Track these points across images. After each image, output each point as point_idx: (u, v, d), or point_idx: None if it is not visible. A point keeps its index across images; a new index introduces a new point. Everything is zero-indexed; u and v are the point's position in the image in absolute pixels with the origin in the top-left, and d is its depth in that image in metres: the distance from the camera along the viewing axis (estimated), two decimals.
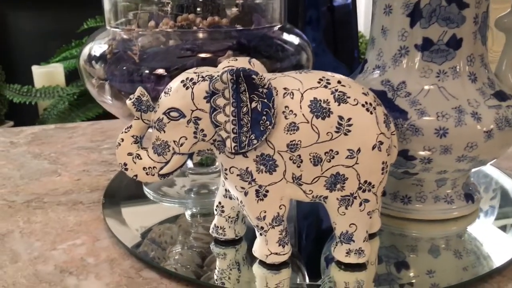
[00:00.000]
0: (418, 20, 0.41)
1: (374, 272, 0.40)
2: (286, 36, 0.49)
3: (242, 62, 0.39)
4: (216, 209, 0.42)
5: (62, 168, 0.62)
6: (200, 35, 0.44)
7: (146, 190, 0.54)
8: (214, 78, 0.35)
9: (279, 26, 0.49)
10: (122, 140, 0.37)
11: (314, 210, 0.52)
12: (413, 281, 0.39)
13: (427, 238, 0.45)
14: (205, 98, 0.35)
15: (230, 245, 0.43)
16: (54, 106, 1.33)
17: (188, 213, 0.50)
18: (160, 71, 0.43)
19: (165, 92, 0.36)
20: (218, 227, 0.42)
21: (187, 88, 0.35)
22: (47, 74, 1.40)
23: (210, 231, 0.43)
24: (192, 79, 0.36)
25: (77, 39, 1.48)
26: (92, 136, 0.74)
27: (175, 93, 0.36)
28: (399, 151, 0.41)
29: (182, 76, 0.36)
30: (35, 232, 0.46)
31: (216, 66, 0.43)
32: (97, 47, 0.47)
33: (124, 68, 0.44)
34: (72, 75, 1.50)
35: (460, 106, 0.41)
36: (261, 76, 0.34)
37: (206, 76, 0.36)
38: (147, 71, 0.43)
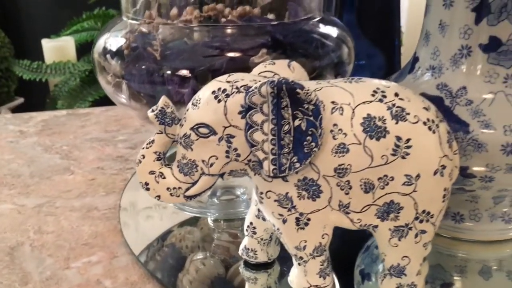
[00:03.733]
0: (485, 16, 0.35)
1: None
2: (324, 29, 0.43)
3: (280, 65, 0.34)
4: (247, 230, 0.37)
5: (75, 164, 0.58)
6: (229, 30, 0.38)
7: None
8: (251, 90, 0.30)
9: (318, 18, 0.43)
10: (143, 156, 0.33)
11: None
12: None
13: (478, 260, 0.41)
14: (240, 113, 0.30)
15: (261, 268, 0.38)
16: (65, 83, 1.28)
17: (211, 223, 0.46)
18: (184, 72, 0.38)
19: (193, 104, 0.31)
20: (248, 249, 0.38)
21: (219, 101, 0.30)
22: (58, 49, 1.34)
23: (240, 253, 0.38)
24: (225, 90, 0.30)
25: (87, 10, 1.42)
26: (106, 125, 0.69)
27: (205, 106, 0.31)
28: None
29: (213, 85, 0.31)
30: (47, 246, 0.42)
31: (247, 66, 0.38)
32: (113, 40, 0.42)
33: (144, 67, 0.39)
34: (84, 48, 1.44)
35: None
36: (307, 90, 0.29)
37: (241, 86, 0.30)
38: (169, 72, 0.38)
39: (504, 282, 0.39)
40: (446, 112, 0.37)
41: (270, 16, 0.41)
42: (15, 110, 1.46)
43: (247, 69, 0.37)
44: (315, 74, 0.41)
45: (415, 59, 0.41)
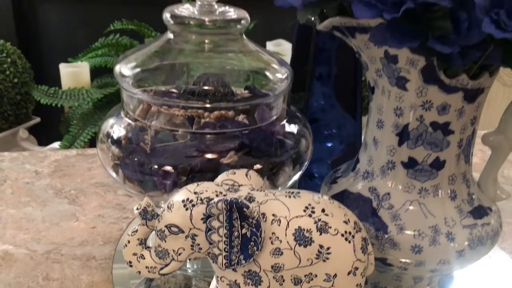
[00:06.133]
0: (406, 141, 0.45)
1: None
2: (287, 127, 0.53)
3: (240, 175, 0.43)
4: None
5: (80, 211, 0.68)
6: (206, 135, 0.48)
7: None
8: (210, 204, 0.39)
9: (283, 121, 0.52)
10: (129, 242, 0.43)
11: None
12: None
13: None
14: (202, 219, 0.40)
15: None
16: (78, 105, 1.39)
17: (190, 273, 0.55)
18: (168, 168, 0.47)
19: (168, 207, 0.41)
20: None
21: (186, 209, 0.40)
22: (74, 74, 1.46)
23: None
24: (192, 200, 0.40)
25: (103, 36, 1.53)
26: None
27: (176, 211, 0.40)
28: (379, 258, 0.45)
29: (184, 194, 0.41)
30: None
31: (219, 164, 0.48)
32: (116, 128, 0.52)
33: (136, 159, 0.48)
34: (97, 71, 1.56)
35: (437, 225, 0.44)
36: (252, 209, 0.39)
37: (204, 198, 0.40)
38: (156, 166, 0.47)
39: None
40: (372, 214, 0.46)
41: (241, 117, 0.51)
42: (32, 128, 1.58)
43: (218, 167, 0.47)
44: (276, 169, 0.50)
45: (357, 160, 0.50)
